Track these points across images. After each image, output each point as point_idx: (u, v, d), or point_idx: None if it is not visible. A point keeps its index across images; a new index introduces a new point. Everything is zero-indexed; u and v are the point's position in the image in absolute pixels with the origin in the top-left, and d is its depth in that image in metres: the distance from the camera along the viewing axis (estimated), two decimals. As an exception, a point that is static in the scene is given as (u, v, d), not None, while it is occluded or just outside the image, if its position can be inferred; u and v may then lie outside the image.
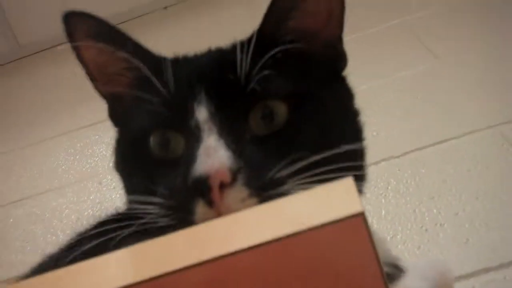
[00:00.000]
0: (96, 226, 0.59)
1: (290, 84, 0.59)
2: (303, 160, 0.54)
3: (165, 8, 2.00)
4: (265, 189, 0.52)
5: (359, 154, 0.66)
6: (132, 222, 0.54)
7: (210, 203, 0.51)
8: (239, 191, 0.51)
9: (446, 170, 1.12)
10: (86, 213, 1.36)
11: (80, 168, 1.52)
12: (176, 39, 1.80)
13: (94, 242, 0.54)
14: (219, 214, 0.51)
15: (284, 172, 0.53)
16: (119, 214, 0.61)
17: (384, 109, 1.31)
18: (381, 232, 1.01)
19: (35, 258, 0.66)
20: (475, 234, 0.98)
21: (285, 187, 0.53)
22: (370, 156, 1.20)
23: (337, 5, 0.64)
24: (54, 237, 1.33)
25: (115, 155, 0.67)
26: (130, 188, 0.64)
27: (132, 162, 0.63)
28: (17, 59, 2.03)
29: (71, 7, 0.63)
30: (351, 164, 0.57)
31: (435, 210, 1.04)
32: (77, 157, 1.56)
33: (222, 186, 0.51)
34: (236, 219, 0.41)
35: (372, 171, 1.18)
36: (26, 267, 0.68)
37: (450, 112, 1.25)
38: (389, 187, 1.12)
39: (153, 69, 0.60)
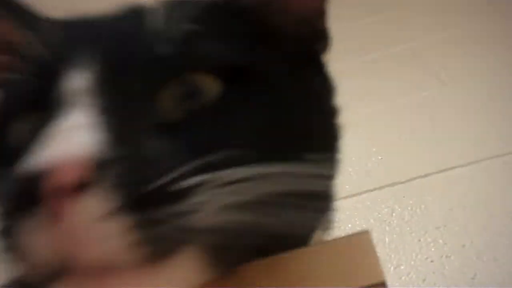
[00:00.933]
0: None
1: (231, 51, 0.36)
2: (233, 163, 0.31)
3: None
4: (149, 203, 0.29)
5: (325, 172, 0.39)
6: None
7: (47, 216, 0.28)
8: (100, 200, 0.28)
9: (452, 198, 1.00)
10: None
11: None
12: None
13: None
14: (61, 237, 0.28)
15: (195, 178, 0.30)
16: None
17: (390, 133, 1.20)
18: (384, 262, 0.90)
19: None
20: (484, 268, 0.86)
21: (190, 201, 0.29)
22: (375, 181, 1.11)
23: None
24: None
25: None
26: None
27: None
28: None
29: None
30: (311, 185, 0.34)
31: (441, 241, 0.93)
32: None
33: (75, 189, 0.27)
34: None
35: (376, 196, 1.09)
36: None
37: (457, 139, 1.13)
38: (394, 214, 1.01)
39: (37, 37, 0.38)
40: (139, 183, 0.29)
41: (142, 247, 0.28)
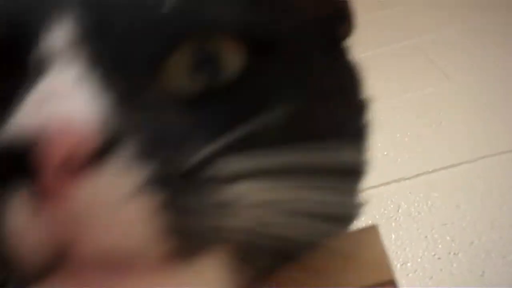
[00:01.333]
0: None
1: (258, 16, 0.29)
2: (264, 143, 0.26)
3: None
4: (182, 183, 0.23)
5: (353, 162, 0.34)
6: None
7: (41, 195, 0.21)
8: (118, 174, 0.22)
9: (459, 195, 0.98)
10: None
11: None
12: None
13: None
14: (61, 221, 0.21)
15: (233, 164, 0.25)
16: None
17: (396, 129, 1.18)
18: (390, 259, 0.88)
19: None
20: (492, 266, 0.84)
21: (229, 191, 0.24)
22: (381, 176, 1.09)
23: None
24: None
25: None
26: None
27: None
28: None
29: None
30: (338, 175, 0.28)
31: (448, 238, 0.91)
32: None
33: (81, 162, 0.21)
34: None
35: (382, 192, 1.07)
36: None
37: (464, 134, 1.11)
38: (400, 210, 0.99)
39: None
40: (167, 157, 0.23)
41: (170, 238, 0.22)
